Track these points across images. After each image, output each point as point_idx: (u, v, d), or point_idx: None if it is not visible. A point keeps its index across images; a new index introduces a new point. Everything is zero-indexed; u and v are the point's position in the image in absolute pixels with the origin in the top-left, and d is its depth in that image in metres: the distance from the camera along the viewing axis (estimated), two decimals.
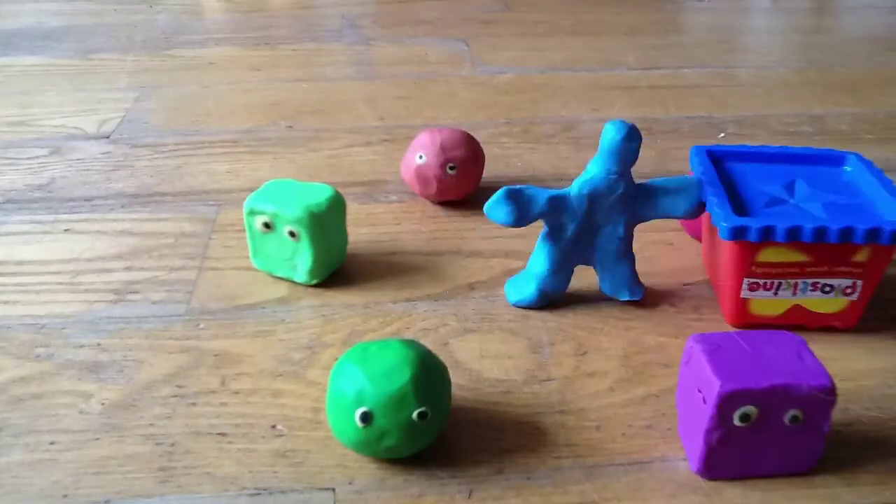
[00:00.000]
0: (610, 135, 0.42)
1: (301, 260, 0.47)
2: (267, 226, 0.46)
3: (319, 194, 0.47)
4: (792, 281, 0.42)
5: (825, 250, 0.41)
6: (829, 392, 0.33)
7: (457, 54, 0.90)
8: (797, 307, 0.43)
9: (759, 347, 0.34)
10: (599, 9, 1.09)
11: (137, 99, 0.77)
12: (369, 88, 0.80)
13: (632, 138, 0.42)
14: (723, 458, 0.34)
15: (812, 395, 0.32)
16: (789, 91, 0.80)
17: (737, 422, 0.33)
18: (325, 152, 0.66)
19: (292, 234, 0.46)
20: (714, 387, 0.32)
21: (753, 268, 0.42)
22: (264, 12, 1.07)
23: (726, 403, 0.32)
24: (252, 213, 0.47)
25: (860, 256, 0.41)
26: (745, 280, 0.42)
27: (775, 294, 0.43)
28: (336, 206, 0.47)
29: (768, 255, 0.41)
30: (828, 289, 0.43)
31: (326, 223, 0.46)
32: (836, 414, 0.39)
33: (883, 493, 0.35)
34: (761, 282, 0.42)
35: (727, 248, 0.43)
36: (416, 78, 0.83)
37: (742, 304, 0.44)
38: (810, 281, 0.42)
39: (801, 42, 0.98)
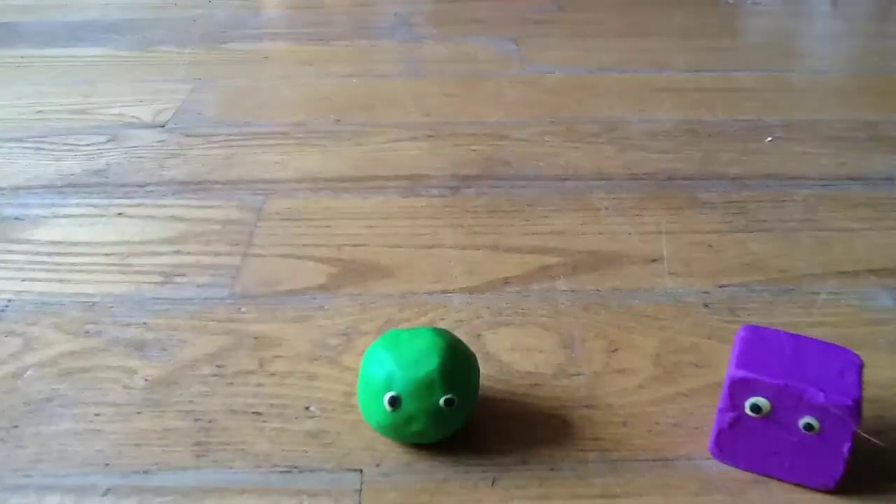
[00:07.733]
0: None
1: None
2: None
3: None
4: None
5: None
6: (847, 410, 0.32)
7: (506, 53, 0.90)
8: None
9: (802, 352, 0.34)
10: (651, 10, 1.08)
11: (193, 90, 0.79)
12: (418, 85, 0.81)
13: None
14: (734, 444, 0.35)
15: (827, 408, 0.32)
16: (843, 96, 0.79)
17: (748, 410, 0.34)
18: (370, 146, 0.67)
19: None
20: (731, 370, 0.34)
21: None
22: (319, 9, 1.09)
23: (737, 388, 0.34)
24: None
25: None
26: None
27: None
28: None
29: None
30: None
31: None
32: (869, 421, 0.38)
33: None
34: None
35: None
36: (465, 76, 0.83)
37: None
38: None
39: (860, 47, 0.96)
